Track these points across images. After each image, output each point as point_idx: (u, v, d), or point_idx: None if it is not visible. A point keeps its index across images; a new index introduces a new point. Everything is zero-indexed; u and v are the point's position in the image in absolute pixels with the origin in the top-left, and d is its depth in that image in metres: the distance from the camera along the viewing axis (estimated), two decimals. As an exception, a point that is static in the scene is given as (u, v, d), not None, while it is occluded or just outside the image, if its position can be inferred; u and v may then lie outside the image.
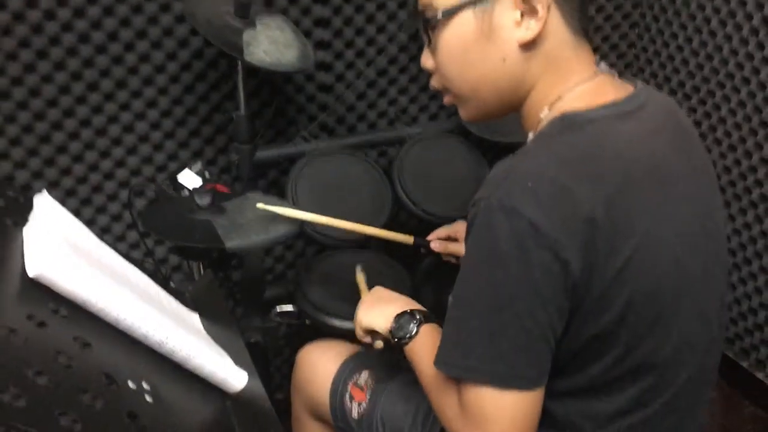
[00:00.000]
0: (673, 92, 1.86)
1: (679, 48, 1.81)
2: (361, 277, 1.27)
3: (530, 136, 0.93)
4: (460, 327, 0.84)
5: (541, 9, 0.85)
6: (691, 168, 0.92)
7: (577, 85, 0.89)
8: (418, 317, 1.02)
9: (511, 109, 0.95)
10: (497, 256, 0.78)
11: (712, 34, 1.70)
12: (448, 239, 1.34)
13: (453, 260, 1.35)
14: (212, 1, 1.41)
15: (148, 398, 0.70)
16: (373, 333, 1.08)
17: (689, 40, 1.77)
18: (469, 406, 0.83)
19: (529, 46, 0.87)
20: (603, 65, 0.93)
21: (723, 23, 1.67)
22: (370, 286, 1.21)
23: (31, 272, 0.70)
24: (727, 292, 0.99)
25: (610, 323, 0.82)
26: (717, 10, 1.67)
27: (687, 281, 0.87)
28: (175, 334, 0.79)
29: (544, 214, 0.76)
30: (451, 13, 0.89)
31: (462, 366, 0.83)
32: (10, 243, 0.77)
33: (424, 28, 0.93)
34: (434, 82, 0.99)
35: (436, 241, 1.33)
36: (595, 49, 1.90)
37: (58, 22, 1.40)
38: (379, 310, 1.08)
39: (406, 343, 1.01)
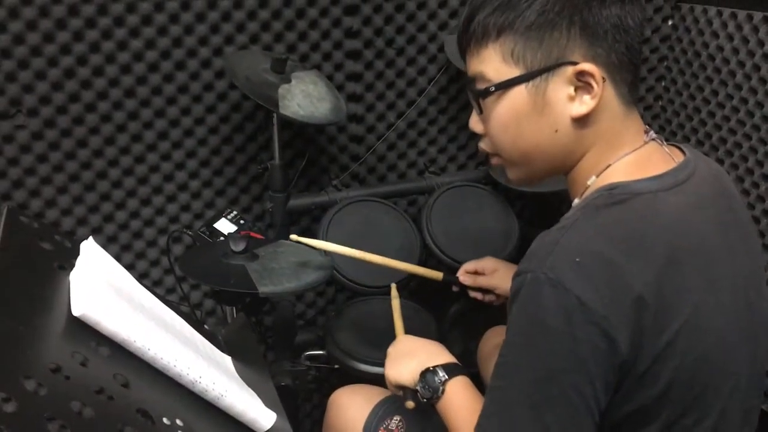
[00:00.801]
0: (700, 143, 1.87)
1: (705, 101, 1.84)
2: (396, 302, 1.29)
3: (575, 201, 0.94)
4: (504, 397, 0.83)
5: (596, 86, 0.86)
6: (737, 240, 0.91)
7: (626, 154, 0.90)
8: (441, 375, 1.01)
9: (559, 173, 0.96)
10: (544, 329, 0.78)
11: (738, 87, 1.73)
12: (475, 273, 1.36)
13: (479, 296, 1.37)
14: (251, 58, 1.49)
15: (181, 434, 0.74)
16: (403, 388, 1.08)
17: (715, 92, 1.80)
18: None
19: (582, 119, 0.89)
20: (652, 133, 0.94)
21: (748, 77, 1.69)
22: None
23: (76, 312, 0.75)
24: None
25: (651, 399, 0.82)
26: (742, 64, 1.70)
27: (731, 357, 0.87)
28: (207, 373, 0.83)
29: (592, 290, 0.76)
30: (504, 86, 0.90)
31: None
32: (58, 285, 0.82)
33: (474, 97, 0.95)
34: (484, 146, 1.00)
35: (464, 274, 1.36)
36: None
37: (106, 78, 1.49)
38: (404, 365, 1.08)
39: (435, 404, 1.01)
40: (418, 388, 1.03)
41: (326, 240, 1.52)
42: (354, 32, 1.64)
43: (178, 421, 0.75)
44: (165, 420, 0.74)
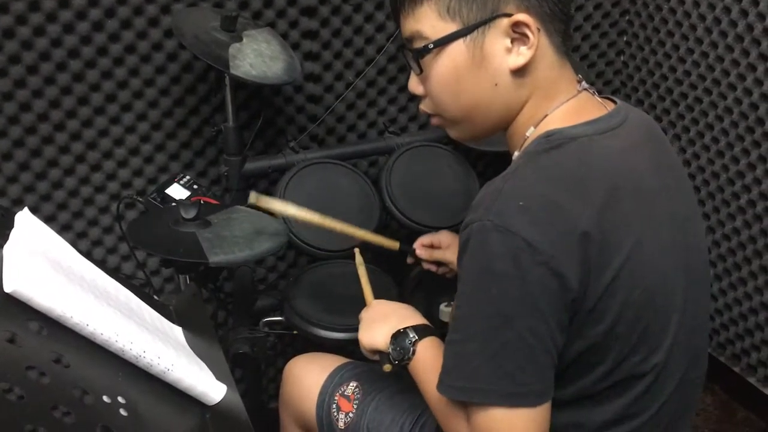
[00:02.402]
0: (660, 98, 1.86)
1: (666, 55, 1.82)
2: (362, 268, 1.27)
3: (516, 154, 0.94)
4: (461, 350, 0.84)
5: (531, 36, 0.87)
6: (671, 182, 0.94)
7: (561, 103, 0.91)
8: (411, 336, 1.01)
9: (500, 129, 0.97)
10: (493, 276, 0.79)
11: (698, 41, 1.71)
12: (431, 247, 1.35)
13: (434, 268, 1.37)
14: (200, 16, 1.43)
15: (123, 412, 0.71)
16: (378, 352, 1.08)
17: (676, 47, 1.78)
18: (480, 429, 0.83)
19: (520, 71, 0.89)
20: (584, 83, 0.95)
21: (708, 30, 1.68)
22: (356, 296, 1.22)
23: (8, 287, 0.71)
24: (709, 302, 1.00)
25: (600, 335, 0.83)
26: (702, 17, 1.68)
27: (673, 293, 0.89)
28: (152, 347, 0.80)
29: (539, 231, 0.77)
30: (442, 43, 0.89)
31: (467, 389, 0.83)
32: (-9, 260, 0.78)
33: (413, 57, 0.93)
34: (424, 107, 1.00)
35: (420, 248, 1.35)
36: (584, 57, 1.92)
37: (47, 37, 1.42)
38: (378, 329, 1.08)
39: (406, 365, 1.01)
40: (390, 349, 1.03)
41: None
42: (308, -13, 1.58)
43: (120, 399, 0.72)
44: (105, 398, 0.71)
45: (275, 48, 1.45)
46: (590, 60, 1.94)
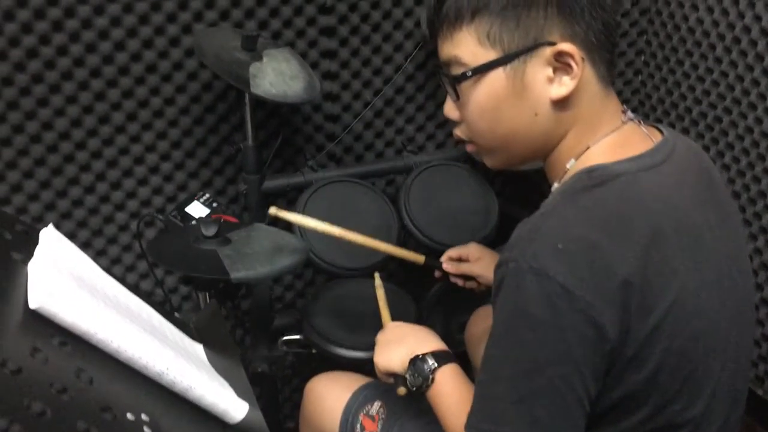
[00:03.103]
0: (680, 118, 1.86)
1: (685, 74, 1.81)
2: (380, 291, 1.26)
3: (555, 185, 0.91)
4: (490, 391, 0.81)
5: (575, 66, 0.84)
6: (718, 218, 0.90)
7: (604, 135, 0.88)
8: (431, 362, 0.99)
9: (537, 158, 0.94)
10: (527, 320, 0.76)
11: (718, 60, 1.70)
12: (459, 260, 1.34)
13: (461, 282, 1.35)
14: (220, 36, 1.44)
15: (146, 429, 0.71)
16: (394, 375, 1.06)
17: (695, 66, 1.78)
18: None
19: (562, 102, 0.86)
20: (629, 113, 0.92)
21: (728, 50, 1.67)
22: (375, 315, 1.22)
23: (33, 304, 0.71)
24: (752, 343, 0.97)
25: (640, 383, 0.80)
26: (722, 37, 1.68)
27: (717, 339, 0.85)
28: (176, 365, 0.80)
29: (577, 277, 0.74)
30: (481, 71, 0.87)
31: None
32: (16, 278, 0.78)
33: (449, 83, 0.91)
34: (459, 133, 0.98)
35: (447, 261, 1.34)
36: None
37: (70, 57, 1.43)
38: (394, 351, 1.06)
39: (424, 392, 0.99)
40: (407, 375, 1.01)
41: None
42: (328, 8, 1.59)
43: (143, 416, 0.72)
44: (129, 416, 0.70)
45: (295, 67, 1.46)
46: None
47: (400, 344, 1.06)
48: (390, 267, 1.82)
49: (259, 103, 1.55)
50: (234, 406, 0.83)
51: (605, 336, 0.75)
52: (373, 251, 1.36)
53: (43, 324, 0.71)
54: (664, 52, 1.88)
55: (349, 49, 1.65)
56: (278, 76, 1.39)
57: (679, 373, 0.81)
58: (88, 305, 0.76)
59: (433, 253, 1.42)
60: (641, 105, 2.00)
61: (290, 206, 1.70)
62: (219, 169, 1.66)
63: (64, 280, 0.78)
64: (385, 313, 1.23)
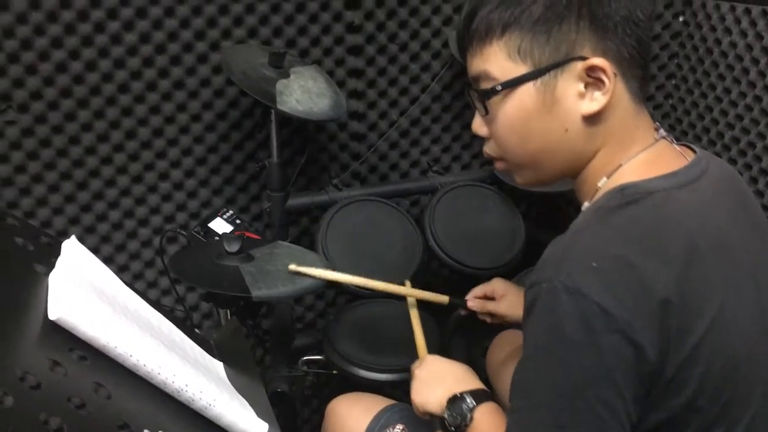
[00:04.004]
0: (711, 143, 1.82)
1: (717, 99, 1.78)
2: (414, 311, 1.23)
3: (585, 205, 0.89)
4: (528, 418, 0.78)
5: (607, 81, 0.82)
6: (754, 237, 0.87)
7: (637, 153, 0.86)
8: (469, 402, 0.96)
9: (568, 176, 0.92)
10: (564, 341, 0.73)
11: (751, 85, 1.67)
12: (485, 298, 1.31)
13: (488, 319, 1.32)
14: (248, 53, 1.44)
15: (163, 447, 0.69)
16: (431, 414, 1.03)
17: (727, 91, 1.74)
18: None
19: (593, 117, 0.84)
20: (662, 130, 0.90)
21: (762, 74, 1.64)
22: (397, 337, 1.19)
23: (53, 315, 0.70)
24: None
25: (679, 408, 0.76)
26: (756, 61, 1.65)
27: (757, 362, 0.82)
28: (195, 381, 0.78)
29: (613, 296, 0.71)
30: (510, 85, 0.86)
31: None
32: (38, 289, 0.77)
33: (478, 98, 0.90)
34: (489, 150, 0.96)
35: (473, 300, 1.31)
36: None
37: (98, 72, 1.44)
38: (431, 391, 1.03)
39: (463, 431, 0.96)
40: (446, 415, 0.98)
41: (326, 242, 1.46)
42: (355, 27, 1.59)
43: (160, 433, 0.70)
44: (146, 432, 0.69)
45: (321, 85, 1.45)
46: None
47: (438, 384, 1.03)
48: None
49: (285, 120, 1.55)
50: (253, 426, 0.81)
51: (645, 357, 0.72)
52: (398, 274, 1.34)
53: (62, 336, 0.70)
54: (695, 76, 1.85)
55: (375, 69, 1.65)
56: (305, 93, 1.38)
57: (718, 397, 0.78)
58: (108, 318, 0.75)
59: (456, 274, 1.39)
60: (672, 129, 1.96)
61: (313, 225, 1.69)
62: (243, 186, 1.66)
63: (85, 292, 0.77)
64: (420, 339, 1.20)
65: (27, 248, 0.82)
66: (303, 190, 1.66)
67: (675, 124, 1.95)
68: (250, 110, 1.59)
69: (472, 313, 1.32)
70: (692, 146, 0.92)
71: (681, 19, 1.87)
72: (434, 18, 1.65)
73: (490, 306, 1.30)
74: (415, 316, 1.23)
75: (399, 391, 1.35)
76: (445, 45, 1.67)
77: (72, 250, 0.86)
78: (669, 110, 1.95)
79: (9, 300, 0.71)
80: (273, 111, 1.42)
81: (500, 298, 1.29)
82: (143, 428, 0.69)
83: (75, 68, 1.42)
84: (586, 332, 0.71)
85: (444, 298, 1.28)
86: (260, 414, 0.83)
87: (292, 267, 1.17)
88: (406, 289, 1.29)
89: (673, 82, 1.94)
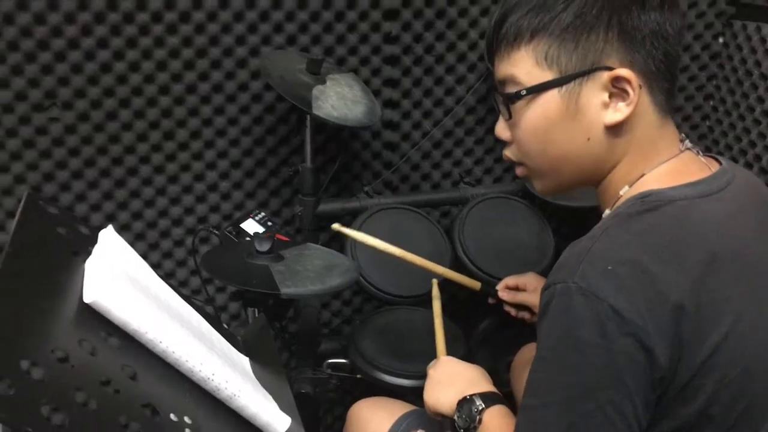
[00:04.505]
0: (748, 165, 1.80)
1: (756, 122, 1.76)
2: (437, 303, 1.25)
3: (606, 212, 0.89)
4: (537, 417, 0.78)
5: (632, 92, 0.83)
6: None
7: (660, 163, 0.86)
8: (478, 404, 0.97)
9: (589, 184, 0.92)
10: (577, 342, 0.74)
11: (791, 107, 1.66)
12: (516, 289, 1.32)
13: (513, 311, 1.32)
14: (286, 59, 1.47)
15: (188, 431, 0.70)
16: (441, 415, 1.04)
17: (766, 113, 1.73)
18: None
19: (616, 128, 0.85)
20: (687, 142, 0.90)
21: (802, 96, 1.62)
22: (423, 343, 1.20)
23: (87, 298, 0.72)
24: None
25: (692, 416, 0.76)
26: (796, 83, 1.63)
27: None
28: (221, 371, 0.79)
29: (627, 300, 0.72)
30: (535, 90, 0.87)
31: None
32: (72, 272, 0.79)
33: (503, 101, 0.91)
34: (510, 154, 0.97)
35: (504, 289, 1.31)
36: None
37: (141, 74, 1.48)
38: (443, 392, 1.04)
39: None
40: (455, 417, 0.99)
41: (354, 248, 1.48)
42: (393, 37, 1.61)
43: (186, 419, 0.71)
44: (173, 416, 0.70)
45: (357, 92, 1.47)
46: (674, 122, 1.89)
47: (449, 385, 1.04)
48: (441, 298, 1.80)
49: (320, 127, 1.57)
50: (277, 419, 0.82)
51: (656, 362, 0.72)
52: (425, 280, 1.34)
53: (95, 318, 0.72)
54: (733, 98, 1.83)
55: (411, 79, 1.66)
56: (340, 99, 1.40)
57: (733, 407, 0.77)
58: (140, 304, 0.77)
59: (486, 286, 1.39)
60: (708, 150, 1.94)
61: (344, 231, 1.70)
62: (276, 190, 1.68)
63: (119, 278, 0.79)
64: (440, 337, 1.22)
65: (66, 236, 0.84)
66: (335, 196, 1.68)
67: (712, 145, 1.93)
68: (286, 116, 1.62)
69: (499, 304, 1.33)
70: (719, 158, 0.91)
71: (721, 40, 1.85)
72: (471, 31, 1.66)
73: (521, 296, 1.30)
74: (437, 308, 1.24)
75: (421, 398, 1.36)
76: (481, 58, 1.68)
77: (108, 239, 0.89)
78: (706, 131, 1.94)
79: (47, 282, 0.73)
80: (308, 116, 1.44)
81: (532, 290, 1.30)
82: (170, 412, 0.70)
83: (119, 68, 1.46)
84: (599, 334, 0.72)
85: (476, 284, 1.32)
86: (284, 408, 0.84)
87: (336, 226, 1.24)
88: (441, 268, 1.31)
89: (711, 103, 1.92)
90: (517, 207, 1.63)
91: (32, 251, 0.76)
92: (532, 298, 1.29)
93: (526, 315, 1.33)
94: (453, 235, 1.54)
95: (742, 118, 1.81)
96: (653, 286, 0.73)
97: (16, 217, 0.77)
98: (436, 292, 1.27)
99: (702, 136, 1.94)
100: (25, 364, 0.58)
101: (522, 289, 1.31)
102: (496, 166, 1.80)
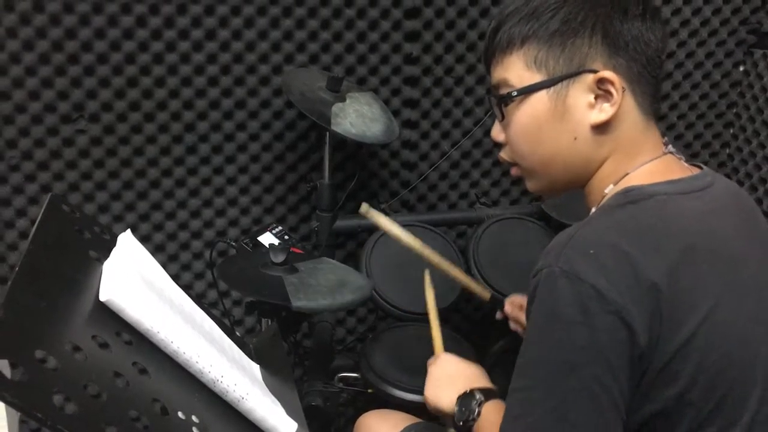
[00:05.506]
0: None
1: (776, 149, 1.76)
2: (430, 294, 1.26)
3: (593, 210, 0.93)
4: (525, 397, 0.81)
5: (615, 93, 0.87)
6: (761, 252, 0.89)
7: (643, 163, 0.90)
8: (478, 397, 1.00)
9: (577, 184, 0.96)
10: (560, 322, 0.77)
11: (811, 135, 1.65)
12: (521, 308, 1.33)
13: (519, 329, 1.34)
14: (308, 76, 1.50)
15: (195, 430, 0.71)
16: (442, 412, 1.06)
17: (786, 140, 1.72)
18: None
19: (601, 127, 0.90)
20: (670, 146, 0.94)
21: (822, 125, 1.62)
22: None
23: (103, 297, 0.74)
24: None
25: (672, 400, 0.79)
26: (816, 112, 1.63)
27: (754, 366, 0.84)
28: (230, 374, 0.81)
29: (608, 280, 0.76)
30: (526, 92, 0.91)
31: None
32: (90, 272, 0.82)
33: (497, 104, 0.96)
34: (504, 155, 1.02)
35: (510, 305, 1.33)
36: (687, 146, 1.88)
37: (167, 89, 1.52)
38: (444, 390, 1.07)
39: (470, 426, 0.99)
40: (454, 413, 1.02)
41: (369, 264, 1.50)
42: (413, 59, 1.64)
43: (194, 418, 0.73)
44: (180, 414, 0.72)
45: (376, 111, 1.50)
46: (693, 149, 1.89)
47: (450, 383, 1.07)
48: (453, 320, 1.81)
49: (339, 144, 1.59)
50: (283, 424, 0.83)
51: (636, 340, 0.75)
52: (438, 297, 1.35)
53: (109, 317, 0.74)
54: (754, 126, 1.83)
55: (430, 100, 1.69)
56: (359, 117, 1.42)
57: (711, 393, 0.80)
58: (153, 305, 0.79)
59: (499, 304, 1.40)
60: (728, 177, 1.93)
61: (360, 248, 1.72)
62: (293, 206, 1.70)
63: (135, 279, 0.81)
64: (437, 335, 1.22)
65: (84, 236, 0.87)
66: (351, 213, 1.70)
67: (731, 173, 1.92)
68: (305, 133, 1.65)
69: (507, 319, 1.34)
70: (700, 165, 0.95)
71: (741, 68, 1.86)
72: (491, 54, 1.68)
73: (524, 316, 1.31)
74: (433, 312, 1.25)
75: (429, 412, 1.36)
76: (501, 81, 1.70)
77: (127, 242, 0.91)
78: (725, 159, 1.93)
79: (65, 279, 0.75)
80: (327, 133, 1.47)
81: None
82: (178, 410, 0.72)
83: (145, 83, 1.50)
84: (582, 313, 0.75)
85: (486, 294, 1.34)
86: (291, 414, 0.85)
87: (365, 206, 1.28)
88: (455, 270, 1.34)
89: (732, 131, 1.92)
90: (532, 228, 1.64)
91: (52, 250, 0.78)
92: None
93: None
94: (467, 254, 1.55)
95: (762, 146, 1.81)
96: (632, 267, 0.77)
97: (39, 217, 0.80)
98: (428, 281, 1.28)
99: (721, 163, 1.93)
100: (40, 353, 0.60)
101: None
102: (512, 188, 1.81)
